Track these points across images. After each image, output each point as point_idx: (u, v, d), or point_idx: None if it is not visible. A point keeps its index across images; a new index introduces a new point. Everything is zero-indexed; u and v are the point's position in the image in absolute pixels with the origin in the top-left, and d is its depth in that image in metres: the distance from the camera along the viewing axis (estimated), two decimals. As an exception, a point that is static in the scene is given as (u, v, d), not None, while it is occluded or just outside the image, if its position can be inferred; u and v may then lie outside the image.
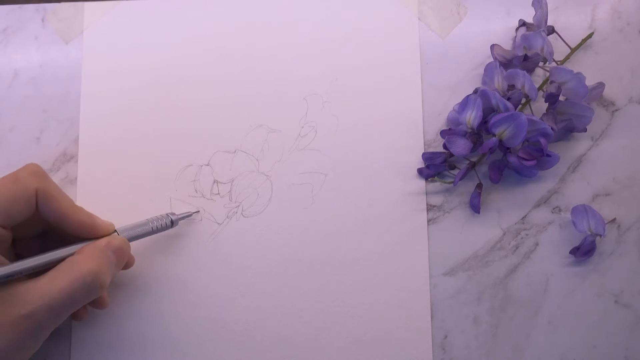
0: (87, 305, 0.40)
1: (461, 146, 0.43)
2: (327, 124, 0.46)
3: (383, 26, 0.47)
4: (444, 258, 0.44)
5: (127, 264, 0.41)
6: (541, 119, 0.43)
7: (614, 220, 0.45)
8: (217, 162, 0.45)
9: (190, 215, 0.44)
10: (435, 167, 0.44)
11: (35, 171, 0.38)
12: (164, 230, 0.42)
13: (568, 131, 0.44)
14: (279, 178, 0.45)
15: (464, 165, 0.44)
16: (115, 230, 0.40)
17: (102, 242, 0.38)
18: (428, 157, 0.45)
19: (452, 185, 0.45)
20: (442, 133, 0.45)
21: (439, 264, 0.44)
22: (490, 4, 0.47)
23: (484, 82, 0.45)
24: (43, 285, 0.35)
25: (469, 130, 0.43)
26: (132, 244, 0.40)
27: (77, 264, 0.36)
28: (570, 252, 0.44)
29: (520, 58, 0.44)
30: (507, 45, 0.46)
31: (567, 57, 0.45)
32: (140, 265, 0.44)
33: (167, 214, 0.42)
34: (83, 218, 0.38)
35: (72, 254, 0.37)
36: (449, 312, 0.44)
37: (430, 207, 0.45)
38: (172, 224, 0.42)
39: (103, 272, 0.37)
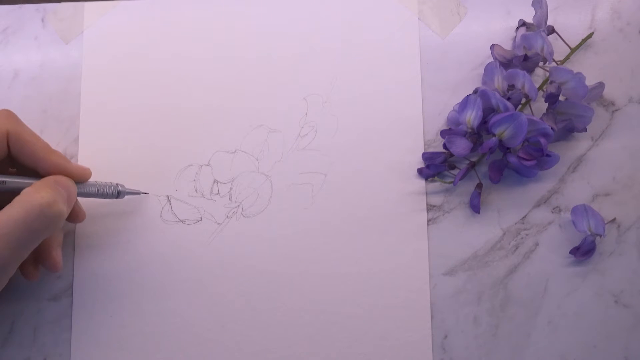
0: (39, 265, 0.40)
1: (461, 146, 0.43)
2: (327, 124, 0.46)
3: (383, 26, 0.47)
4: (444, 258, 0.44)
5: (78, 217, 0.42)
6: (541, 119, 0.43)
7: (614, 220, 0.45)
8: (217, 162, 0.45)
9: (139, 194, 0.44)
10: (435, 167, 0.44)
11: (8, 115, 0.38)
12: (109, 197, 0.42)
13: (568, 131, 0.44)
14: (279, 178, 0.45)
15: (464, 165, 0.44)
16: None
17: (51, 178, 0.38)
18: (428, 157, 0.45)
19: (452, 185, 0.45)
20: (442, 133, 0.45)
21: (439, 264, 0.44)
22: (490, 4, 0.47)
23: (484, 82, 0.45)
24: None
25: (469, 130, 0.43)
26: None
27: (31, 195, 0.36)
28: (570, 252, 0.44)
29: (520, 58, 0.44)
30: (507, 45, 0.46)
31: (567, 57, 0.45)
32: (140, 265, 0.44)
33: (116, 184, 0.42)
34: (57, 160, 0.39)
35: (27, 186, 0.37)
36: (449, 312, 0.44)
37: (430, 207, 0.45)
38: (119, 194, 0.42)
39: (58, 201, 0.37)
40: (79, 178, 0.40)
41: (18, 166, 0.40)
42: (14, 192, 0.37)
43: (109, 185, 0.42)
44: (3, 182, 0.38)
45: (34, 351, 0.43)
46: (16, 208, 0.35)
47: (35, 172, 0.39)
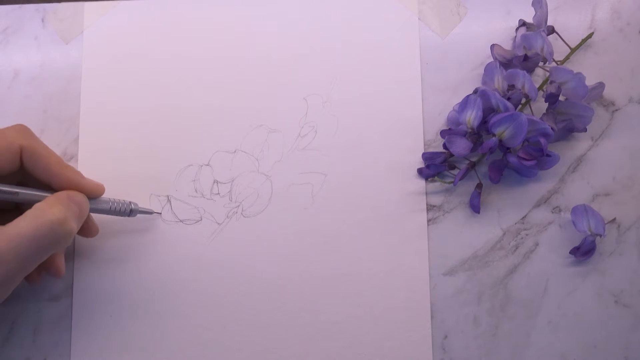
0: (42, 271, 0.40)
1: (461, 146, 0.43)
2: (327, 124, 0.46)
3: (383, 26, 0.47)
4: (444, 258, 0.44)
5: (91, 231, 0.42)
6: (541, 119, 0.43)
7: (614, 220, 0.45)
8: (217, 162, 0.45)
9: (151, 213, 0.44)
10: (435, 167, 0.44)
11: (22, 130, 0.38)
12: (121, 215, 0.42)
13: (568, 131, 0.44)
14: (279, 178, 0.45)
15: (464, 165, 0.44)
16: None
17: (64, 193, 0.38)
18: (428, 157, 0.45)
19: (452, 185, 0.45)
20: (442, 133, 0.45)
21: (439, 264, 0.44)
22: (490, 4, 0.47)
23: (484, 82, 0.45)
24: (9, 230, 0.35)
25: (469, 130, 0.43)
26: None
27: (43, 210, 0.36)
28: (570, 252, 0.44)
29: (520, 58, 0.44)
30: (507, 45, 0.46)
31: (567, 57, 0.45)
32: (139, 265, 0.44)
33: (129, 202, 0.42)
34: (70, 175, 0.39)
35: (38, 199, 0.37)
36: (449, 312, 0.44)
37: (430, 207, 0.45)
38: (131, 212, 0.42)
39: (69, 219, 0.36)
40: (92, 194, 0.40)
41: (30, 180, 0.39)
42: (25, 204, 0.36)
43: (121, 203, 0.42)
44: (15, 192, 0.38)
45: (34, 351, 0.43)
46: (27, 222, 0.35)
47: (48, 187, 0.39)
